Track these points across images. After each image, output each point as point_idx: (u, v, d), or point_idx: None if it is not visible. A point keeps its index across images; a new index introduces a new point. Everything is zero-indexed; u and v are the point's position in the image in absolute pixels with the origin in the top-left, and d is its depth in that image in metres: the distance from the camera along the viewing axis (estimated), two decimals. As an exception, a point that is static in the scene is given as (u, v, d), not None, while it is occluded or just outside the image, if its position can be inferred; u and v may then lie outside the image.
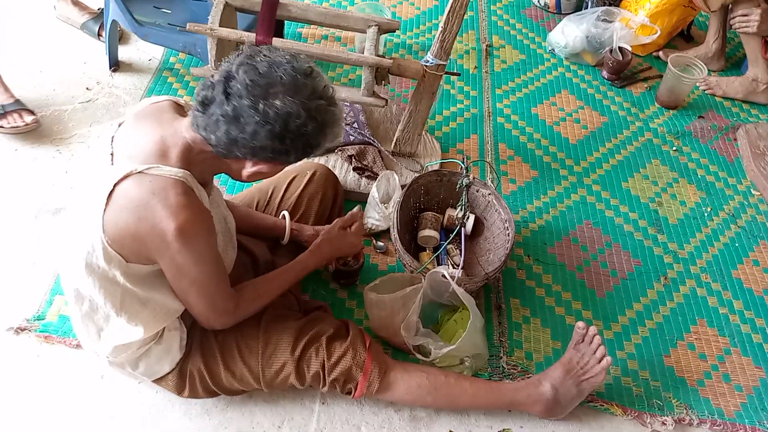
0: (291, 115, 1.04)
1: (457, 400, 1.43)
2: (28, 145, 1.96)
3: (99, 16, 2.34)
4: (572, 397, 1.45)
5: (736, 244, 1.95)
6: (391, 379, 1.38)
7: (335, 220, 1.54)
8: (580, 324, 1.47)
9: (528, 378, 1.51)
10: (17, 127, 1.96)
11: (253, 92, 1.03)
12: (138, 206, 1.06)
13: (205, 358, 1.33)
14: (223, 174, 1.21)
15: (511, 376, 1.55)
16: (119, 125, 1.18)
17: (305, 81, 1.06)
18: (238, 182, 1.52)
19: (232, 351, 1.34)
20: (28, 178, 1.88)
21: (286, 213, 1.55)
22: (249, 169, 1.13)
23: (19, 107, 1.99)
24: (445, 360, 1.50)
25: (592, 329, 1.46)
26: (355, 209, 1.60)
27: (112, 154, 1.13)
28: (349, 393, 1.38)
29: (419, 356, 1.51)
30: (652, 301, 1.77)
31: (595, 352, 1.44)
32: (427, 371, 1.42)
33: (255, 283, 1.34)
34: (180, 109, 1.21)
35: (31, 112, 2.00)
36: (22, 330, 1.53)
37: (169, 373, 1.34)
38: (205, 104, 1.07)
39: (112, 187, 1.07)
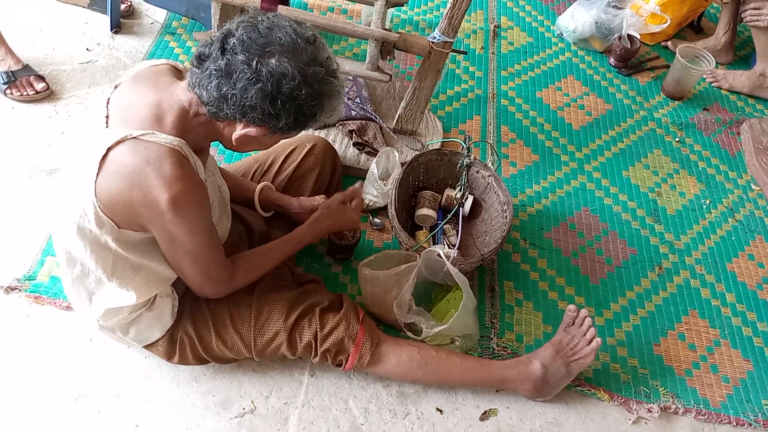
0: (285, 76, 1.00)
1: (447, 375, 1.44)
2: (25, 103, 1.93)
3: None
4: (561, 377, 1.46)
5: (733, 238, 1.95)
6: (382, 351, 1.39)
7: (335, 194, 1.52)
8: (571, 307, 1.48)
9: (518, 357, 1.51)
10: (28, 95, 1.92)
11: (248, 49, 1.00)
12: (132, 173, 1.04)
13: (196, 326, 1.33)
14: (220, 145, 1.17)
15: (500, 358, 1.55)
16: (115, 87, 1.15)
17: (305, 46, 1.03)
18: (236, 153, 1.51)
19: (224, 319, 1.33)
20: (24, 137, 1.86)
21: (264, 184, 1.52)
22: (238, 131, 1.08)
23: (29, 73, 1.94)
24: (436, 339, 1.50)
25: (583, 311, 1.47)
26: (356, 185, 1.58)
27: (107, 117, 1.10)
28: (340, 365, 1.39)
29: (410, 334, 1.51)
30: (645, 290, 1.78)
31: (585, 334, 1.45)
32: (418, 345, 1.43)
33: (251, 255, 1.33)
34: (178, 74, 1.19)
35: (41, 78, 1.95)
36: (13, 289, 1.52)
37: (159, 339, 1.33)
38: (201, 59, 1.04)
39: (105, 152, 1.04)
